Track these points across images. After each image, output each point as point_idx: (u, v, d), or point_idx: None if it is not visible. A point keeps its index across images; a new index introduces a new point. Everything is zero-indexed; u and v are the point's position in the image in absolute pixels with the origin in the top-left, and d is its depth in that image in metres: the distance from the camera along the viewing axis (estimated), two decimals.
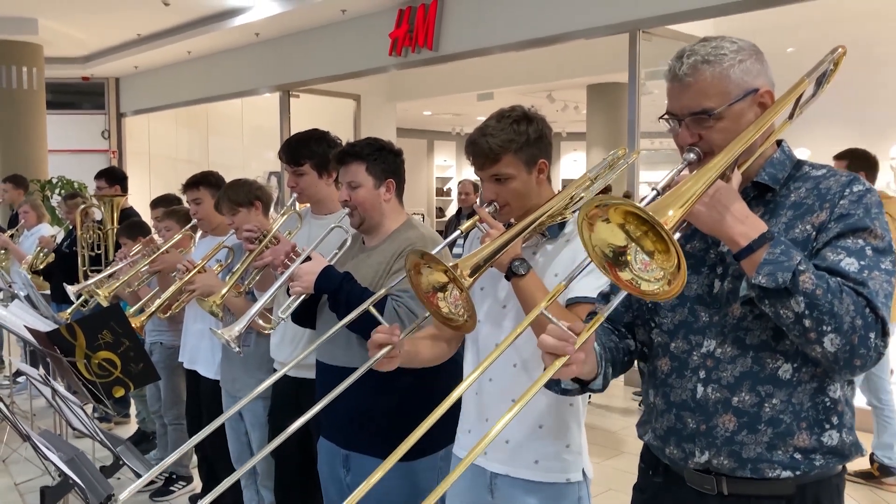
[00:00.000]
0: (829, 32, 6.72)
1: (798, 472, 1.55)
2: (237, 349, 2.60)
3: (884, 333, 1.43)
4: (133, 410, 5.69)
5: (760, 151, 1.60)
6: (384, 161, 2.53)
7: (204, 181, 3.74)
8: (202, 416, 3.79)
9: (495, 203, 2.00)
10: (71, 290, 3.95)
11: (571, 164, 17.74)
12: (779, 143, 1.67)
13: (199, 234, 4.03)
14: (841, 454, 1.58)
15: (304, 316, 2.62)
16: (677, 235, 1.42)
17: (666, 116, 1.63)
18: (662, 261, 1.31)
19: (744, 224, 1.45)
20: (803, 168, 1.63)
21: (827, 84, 1.74)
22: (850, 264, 1.45)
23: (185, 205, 4.11)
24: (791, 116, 1.70)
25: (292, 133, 3.36)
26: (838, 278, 1.43)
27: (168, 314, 3.56)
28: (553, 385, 1.65)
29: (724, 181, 1.48)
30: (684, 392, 1.63)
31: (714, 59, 1.55)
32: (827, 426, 1.56)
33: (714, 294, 1.61)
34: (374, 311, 2.01)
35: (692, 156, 1.57)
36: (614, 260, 1.36)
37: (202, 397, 3.77)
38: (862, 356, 1.42)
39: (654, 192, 1.49)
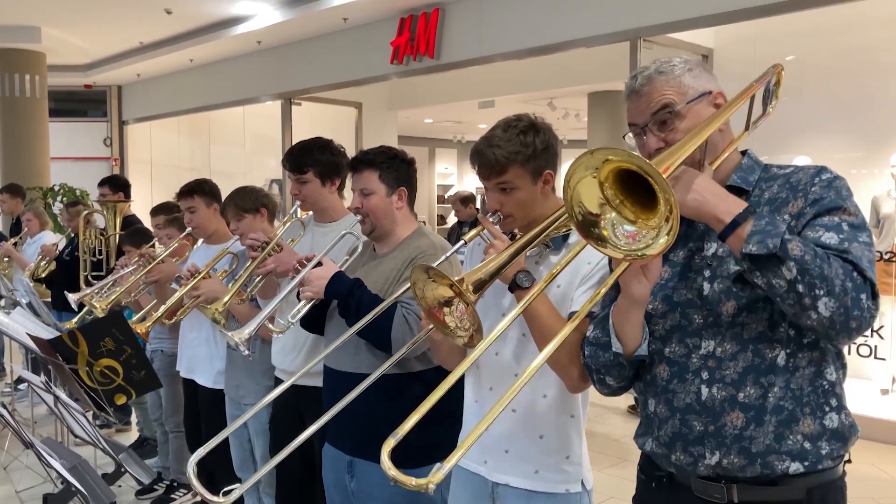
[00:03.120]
0: (830, 40, 6.73)
1: (807, 464, 1.57)
2: (246, 352, 2.61)
3: (874, 295, 1.47)
4: (133, 417, 5.69)
5: (724, 157, 1.67)
6: (397, 169, 2.54)
7: (198, 189, 3.73)
8: (201, 425, 3.79)
9: (499, 213, 2.00)
10: (72, 298, 3.95)
11: None
12: (744, 153, 1.73)
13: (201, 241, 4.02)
14: (842, 437, 1.61)
15: (313, 321, 2.62)
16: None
17: (629, 132, 1.70)
18: (648, 222, 1.37)
19: (725, 202, 1.50)
20: (772, 170, 1.70)
21: (776, 100, 1.83)
22: (829, 238, 1.50)
23: None
24: (747, 127, 1.79)
25: (294, 141, 3.39)
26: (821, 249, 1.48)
27: (173, 320, 3.56)
28: (604, 349, 1.68)
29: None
30: (688, 396, 1.64)
31: (666, 70, 1.67)
32: (827, 409, 1.60)
33: (705, 296, 1.64)
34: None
35: None
36: (585, 228, 1.42)
37: (201, 406, 3.76)
38: (857, 318, 1.45)
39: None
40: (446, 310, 1.73)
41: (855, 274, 1.45)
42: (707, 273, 1.64)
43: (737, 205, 1.49)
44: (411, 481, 1.32)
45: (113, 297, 3.72)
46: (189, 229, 3.78)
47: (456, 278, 1.68)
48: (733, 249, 1.50)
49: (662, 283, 1.68)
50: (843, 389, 1.64)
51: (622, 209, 1.38)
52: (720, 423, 1.60)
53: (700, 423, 1.62)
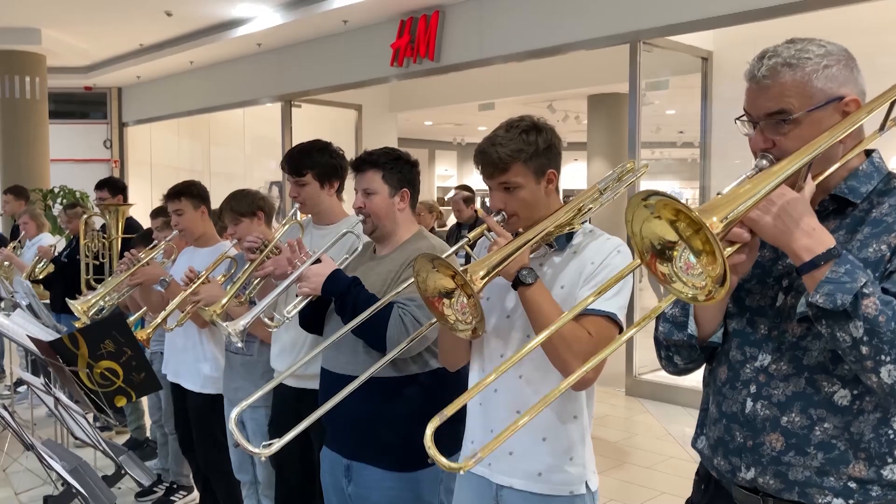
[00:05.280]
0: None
1: (851, 501, 1.46)
2: (240, 343, 2.61)
3: None
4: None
5: (843, 162, 1.50)
6: (400, 170, 2.54)
7: (185, 192, 3.70)
8: (191, 429, 3.78)
9: (503, 212, 2.00)
10: (74, 304, 3.94)
11: (572, 174, 17.77)
12: (869, 153, 1.56)
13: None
14: None
15: (312, 321, 2.63)
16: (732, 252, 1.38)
17: (743, 118, 1.54)
18: (707, 263, 1.26)
19: (810, 237, 1.36)
20: (893, 181, 1.52)
21: None
22: None
23: None
24: (882, 128, 1.57)
25: (294, 143, 3.38)
26: None
27: (174, 326, 3.55)
28: (680, 328, 1.62)
29: (795, 191, 1.40)
30: (735, 404, 1.57)
31: (796, 63, 1.46)
32: (889, 460, 1.45)
33: (776, 307, 1.54)
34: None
35: (764, 162, 1.48)
36: (660, 253, 1.32)
37: (189, 410, 3.75)
38: None
39: (718, 196, 1.41)
40: (446, 301, 1.74)
41: None
42: (785, 283, 1.53)
43: (820, 243, 1.35)
44: (445, 462, 1.36)
45: (93, 300, 3.69)
46: (175, 232, 3.77)
47: (460, 269, 1.68)
48: (806, 287, 1.37)
49: (740, 282, 1.55)
50: None
51: (693, 240, 1.28)
52: (759, 441, 1.52)
53: (741, 434, 1.55)
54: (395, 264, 2.48)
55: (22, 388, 6.58)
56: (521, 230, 2.00)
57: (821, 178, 1.48)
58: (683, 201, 1.30)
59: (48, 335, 3.56)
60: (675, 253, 1.31)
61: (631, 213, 1.33)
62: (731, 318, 1.61)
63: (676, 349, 1.67)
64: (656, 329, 1.71)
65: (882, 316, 1.30)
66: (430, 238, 2.59)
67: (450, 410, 1.45)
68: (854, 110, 1.48)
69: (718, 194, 1.41)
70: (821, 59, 1.47)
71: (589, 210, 2.04)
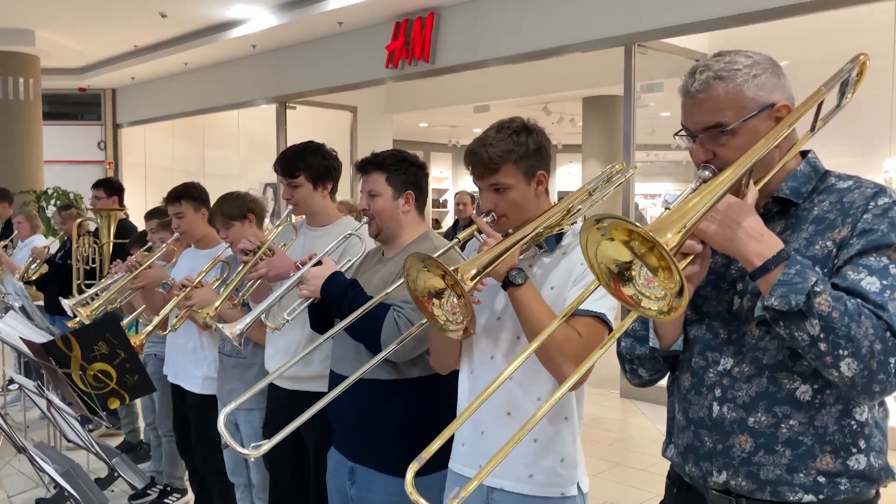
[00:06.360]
0: (823, 45, 6.76)
1: (822, 497, 1.50)
2: (237, 345, 2.61)
3: None
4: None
5: (781, 165, 1.56)
6: (405, 172, 2.53)
7: (185, 194, 3.71)
8: (189, 430, 3.78)
9: (493, 213, 2.01)
10: (67, 304, 3.93)
11: (567, 177, 17.78)
12: (805, 154, 1.62)
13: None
14: (869, 478, 1.51)
15: (322, 324, 2.62)
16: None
17: (681, 133, 1.60)
18: (665, 279, 1.28)
19: (759, 242, 1.41)
20: (829, 180, 1.58)
21: (852, 94, 1.69)
22: (871, 284, 1.40)
23: None
24: (813, 129, 1.64)
25: (289, 144, 3.35)
26: (858, 300, 1.38)
27: (167, 331, 3.54)
28: (642, 342, 1.65)
29: (738, 197, 1.44)
30: (701, 409, 1.60)
31: (727, 75, 1.52)
32: (854, 450, 1.50)
33: (734, 311, 1.58)
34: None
35: (707, 173, 1.53)
36: (619, 275, 1.35)
37: (189, 411, 3.76)
38: (881, 382, 1.37)
39: (666, 211, 1.44)
40: (436, 301, 1.74)
41: (887, 335, 1.36)
42: (739, 286, 1.58)
43: (770, 247, 1.40)
44: None
45: (97, 304, 3.69)
46: (177, 234, 3.77)
47: (451, 268, 1.68)
48: (762, 291, 1.42)
49: (697, 288, 1.59)
50: (878, 430, 1.53)
51: (648, 257, 1.30)
52: (728, 444, 1.55)
53: (710, 439, 1.58)
54: (397, 266, 2.47)
55: (13, 387, 6.55)
56: (510, 231, 2.00)
57: (762, 182, 1.53)
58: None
59: (41, 337, 3.55)
60: (634, 272, 1.34)
61: (585, 237, 1.36)
62: (690, 325, 1.65)
63: (640, 362, 1.70)
64: (618, 344, 1.74)
65: (835, 312, 1.35)
66: (435, 239, 2.58)
67: (427, 454, 1.50)
68: (785, 115, 1.54)
69: (666, 208, 1.45)
70: (749, 69, 1.53)
71: (578, 211, 2.04)
